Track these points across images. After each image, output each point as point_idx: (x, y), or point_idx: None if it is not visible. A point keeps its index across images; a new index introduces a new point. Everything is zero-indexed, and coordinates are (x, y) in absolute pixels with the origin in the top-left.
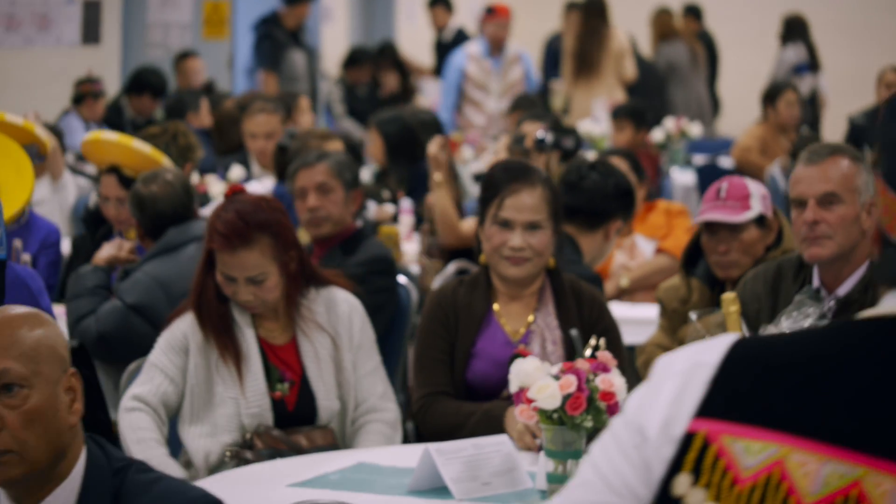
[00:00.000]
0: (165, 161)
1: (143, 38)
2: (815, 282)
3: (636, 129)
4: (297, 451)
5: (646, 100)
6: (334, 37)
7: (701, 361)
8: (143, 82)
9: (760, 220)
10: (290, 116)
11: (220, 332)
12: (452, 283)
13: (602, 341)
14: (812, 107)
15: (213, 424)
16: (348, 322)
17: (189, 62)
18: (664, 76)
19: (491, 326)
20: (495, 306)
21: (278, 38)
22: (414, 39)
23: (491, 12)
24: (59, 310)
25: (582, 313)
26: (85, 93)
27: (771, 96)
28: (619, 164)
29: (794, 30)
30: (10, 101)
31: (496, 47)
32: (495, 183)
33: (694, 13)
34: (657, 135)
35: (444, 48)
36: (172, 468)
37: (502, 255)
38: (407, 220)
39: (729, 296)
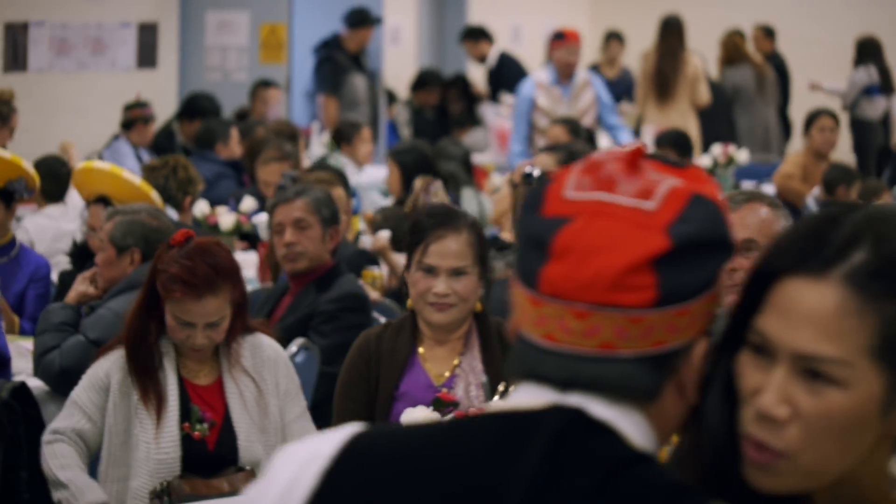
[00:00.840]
0: (154, 194)
1: (201, 62)
2: None
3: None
4: (220, 495)
5: (714, 124)
6: (402, 59)
7: (318, 452)
8: (195, 107)
9: None
10: (350, 143)
11: (145, 373)
12: (377, 329)
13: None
14: (885, 129)
15: (127, 467)
16: (274, 368)
17: (269, 91)
18: (730, 100)
19: (415, 369)
20: (420, 350)
21: (339, 62)
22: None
23: (560, 37)
24: (30, 344)
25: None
26: (134, 118)
27: (808, 122)
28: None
29: (867, 51)
30: (62, 126)
31: (565, 74)
32: (420, 228)
33: (767, 33)
34: (704, 161)
35: (495, 74)
36: (96, 491)
37: (427, 300)
38: None
39: None
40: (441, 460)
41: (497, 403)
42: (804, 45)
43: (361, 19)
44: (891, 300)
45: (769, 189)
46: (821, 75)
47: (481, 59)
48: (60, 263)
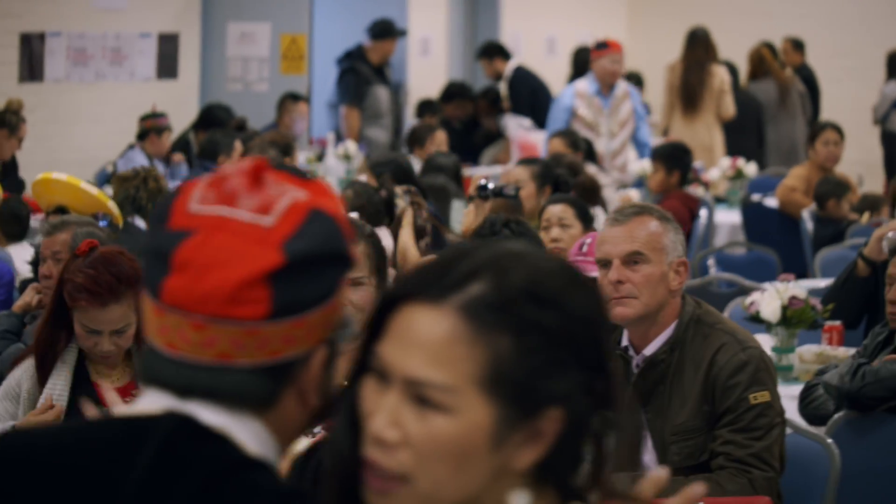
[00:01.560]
0: (111, 204)
1: (222, 73)
2: (624, 341)
3: (667, 172)
4: None
5: (742, 137)
6: (432, 71)
7: None
8: (212, 118)
9: None
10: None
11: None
12: None
13: None
14: None
15: None
16: None
17: (298, 105)
18: (759, 114)
19: None
20: None
21: (363, 73)
22: None
23: (604, 47)
24: None
25: None
26: (148, 128)
27: (812, 136)
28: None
29: None
30: (78, 136)
31: (607, 84)
32: None
33: (796, 46)
34: (713, 174)
35: (514, 85)
36: None
37: None
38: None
39: None
40: (68, 457)
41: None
42: (836, 58)
43: (386, 31)
44: (503, 333)
45: (772, 202)
46: (852, 88)
47: (497, 76)
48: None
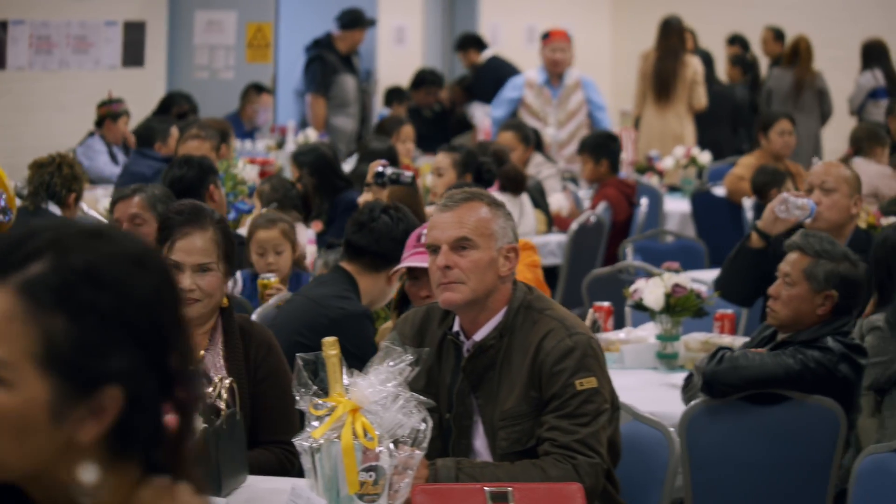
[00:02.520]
0: (10, 183)
1: (189, 61)
2: (456, 326)
3: (595, 162)
4: None
5: (716, 129)
6: (407, 59)
7: None
8: (172, 106)
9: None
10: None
11: None
12: None
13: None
14: (890, 133)
15: None
16: None
17: (261, 96)
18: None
19: None
20: None
21: (329, 62)
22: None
23: (546, 37)
24: None
25: (248, 353)
26: (104, 115)
27: (765, 125)
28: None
29: (873, 55)
30: (41, 124)
31: (554, 73)
32: (169, 225)
33: (777, 36)
34: (667, 162)
35: (481, 75)
36: None
37: None
38: (311, 249)
39: (328, 340)
40: None
41: None
42: (819, 48)
43: (355, 21)
44: (58, 313)
45: (721, 191)
46: (835, 79)
47: (473, 67)
48: None
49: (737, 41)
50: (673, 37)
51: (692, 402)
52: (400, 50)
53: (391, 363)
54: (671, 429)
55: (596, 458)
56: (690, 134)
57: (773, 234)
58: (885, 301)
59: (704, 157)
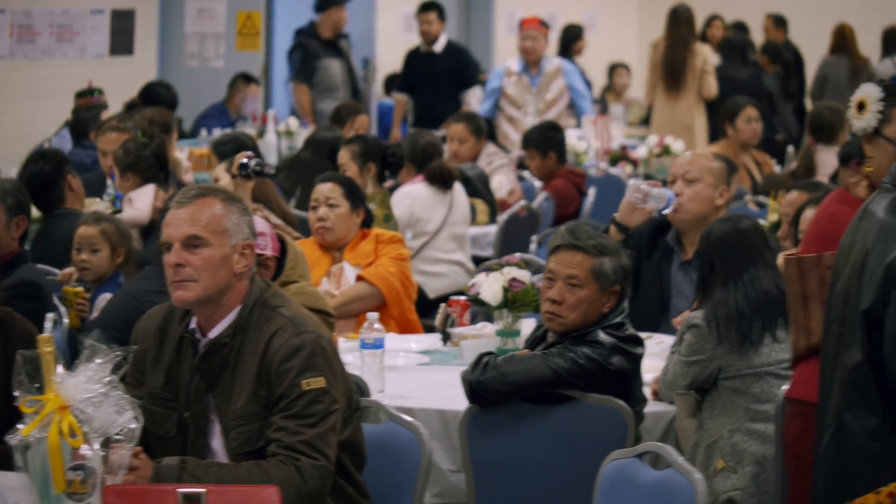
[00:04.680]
0: None
1: (180, 49)
2: (192, 323)
3: (542, 156)
4: None
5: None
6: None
7: None
8: (153, 96)
9: None
10: (342, 127)
11: None
12: None
13: None
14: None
15: None
16: None
17: (249, 87)
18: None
19: None
20: None
21: (311, 48)
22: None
23: (519, 25)
24: None
25: (7, 347)
26: (82, 105)
27: (731, 114)
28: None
29: (894, 42)
30: (23, 113)
31: (530, 61)
32: None
33: (778, 23)
34: (641, 151)
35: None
36: None
37: None
38: None
39: (44, 337)
40: None
41: None
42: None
43: (327, 1)
44: None
45: None
46: None
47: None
48: None
49: (736, 28)
50: (682, 25)
51: (469, 405)
52: (410, 38)
53: (99, 361)
54: (423, 430)
55: (322, 460)
56: (701, 124)
57: (632, 225)
58: (707, 297)
59: (678, 146)
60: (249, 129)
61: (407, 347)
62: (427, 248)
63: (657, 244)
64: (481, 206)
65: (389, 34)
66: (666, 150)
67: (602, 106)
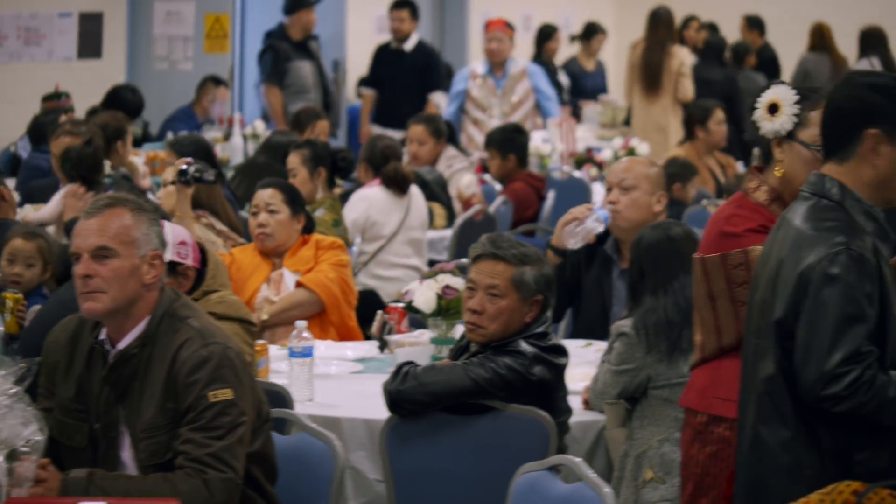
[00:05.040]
0: None
1: (149, 52)
2: (102, 334)
3: (502, 158)
4: None
5: None
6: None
7: None
8: (119, 100)
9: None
10: (301, 133)
11: None
12: None
13: None
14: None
15: None
16: None
17: (218, 89)
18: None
19: None
20: None
21: (281, 50)
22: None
23: (485, 27)
24: None
25: None
26: (48, 109)
27: (703, 117)
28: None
29: (871, 42)
30: None
31: (495, 63)
32: None
33: (755, 25)
34: (606, 154)
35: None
36: None
37: None
38: None
39: None
40: None
41: None
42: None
43: (297, 3)
44: None
45: None
46: None
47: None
48: None
49: (707, 28)
50: (661, 28)
51: (390, 415)
52: (381, 39)
53: (2, 373)
54: (336, 442)
55: (229, 472)
56: (675, 126)
57: (569, 249)
58: (637, 305)
59: (643, 149)
60: (216, 133)
61: (342, 355)
62: (383, 252)
63: (596, 254)
64: (439, 210)
65: (360, 36)
66: (631, 153)
67: (573, 108)
